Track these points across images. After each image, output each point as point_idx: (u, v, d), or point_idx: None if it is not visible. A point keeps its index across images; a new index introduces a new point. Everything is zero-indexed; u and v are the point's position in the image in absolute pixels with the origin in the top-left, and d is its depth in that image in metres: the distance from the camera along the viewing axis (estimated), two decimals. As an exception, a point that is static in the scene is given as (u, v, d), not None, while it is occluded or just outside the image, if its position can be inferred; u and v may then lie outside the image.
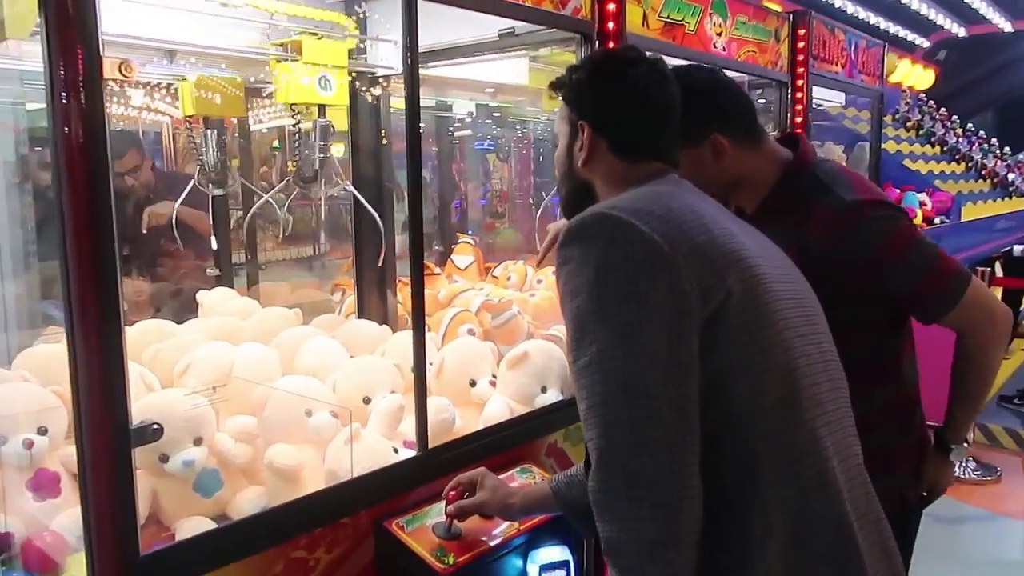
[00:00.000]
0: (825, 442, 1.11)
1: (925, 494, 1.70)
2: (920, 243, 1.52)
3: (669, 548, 0.99)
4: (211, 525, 1.66)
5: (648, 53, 1.29)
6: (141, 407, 1.65)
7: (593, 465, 1.05)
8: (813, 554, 1.07)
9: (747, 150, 1.58)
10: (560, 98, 1.34)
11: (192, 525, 1.65)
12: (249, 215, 2.72)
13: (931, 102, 9.30)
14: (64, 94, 1.07)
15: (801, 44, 2.95)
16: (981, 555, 3.68)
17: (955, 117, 9.26)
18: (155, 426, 1.24)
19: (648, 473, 1.00)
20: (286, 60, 2.10)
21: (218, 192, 2.54)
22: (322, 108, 2.25)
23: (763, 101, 3.16)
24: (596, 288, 1.05)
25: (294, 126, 2.29)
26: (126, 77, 1.10)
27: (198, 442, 1.69)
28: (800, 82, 2.98)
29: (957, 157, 8.78)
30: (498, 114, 3.93)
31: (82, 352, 1.14)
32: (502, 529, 1.65)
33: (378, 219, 2.42)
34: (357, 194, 2.41)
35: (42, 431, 1.63)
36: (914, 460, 1.65)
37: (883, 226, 1.51)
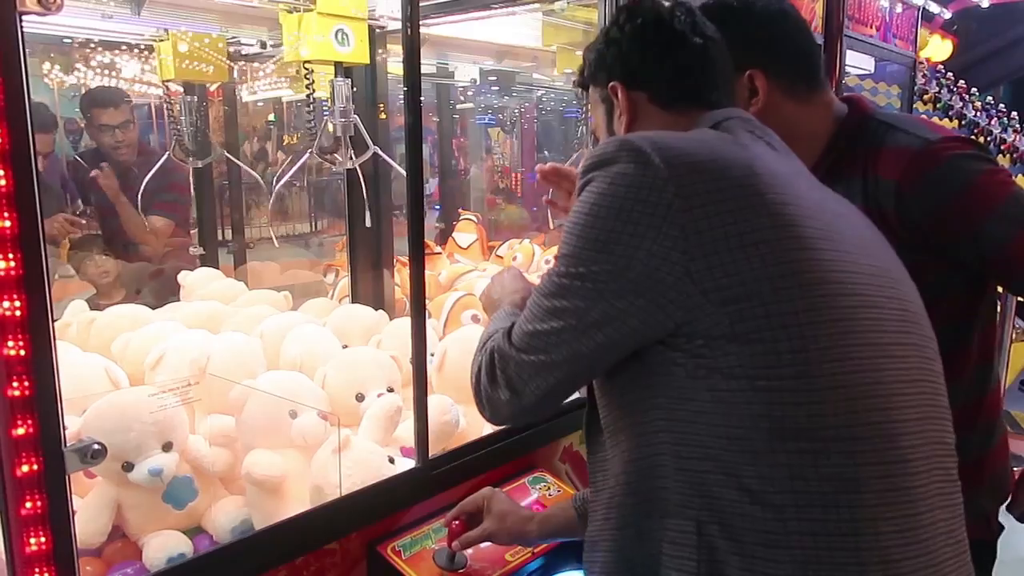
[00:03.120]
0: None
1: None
2: (1017, 193, 1.28)
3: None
4: (183, 540, 1.48)
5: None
6: (100, 408, 1.47)
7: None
8: None
9: (793, 100, 1.36)
10: (589, 90, 1.19)
11: (162, 541, 1.47)
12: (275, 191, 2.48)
13: (949, 74, 9.01)
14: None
15: (837, 2, 2.69)
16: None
17: (974, 90, 8.97)
18: (96, 446, 1.02)
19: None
20: (297, 11, 1.86)
21: (196, 164, 2.32)
22: (338, 67, 2.01)
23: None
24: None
25: (307, 86, 2.04)
26: (47, 9, 0.86)
27: (167, 447, 1.50)
28: (834, 44, 2.71)
29: (975, 132, 8.50)
30: (505, 80, 3.69)
31: (-2, 357, 0.92)
32: (514, 553, 1.45)
33: (399, 168, 2.15)
34: (387, 158, 2.15)
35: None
36: (1000, 472, 1.42)
37: (970, 166, 1.27)
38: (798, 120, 1.36)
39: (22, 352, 0.93)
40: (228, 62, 2.34)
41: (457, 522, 1.40)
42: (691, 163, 0.90)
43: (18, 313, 0.92)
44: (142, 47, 2.42)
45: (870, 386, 0.89)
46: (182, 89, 2.40)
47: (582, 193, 0.96)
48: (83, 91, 2.98)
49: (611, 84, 1.11)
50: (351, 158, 2.07)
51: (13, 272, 0.91)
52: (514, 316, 1.06)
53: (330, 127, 2.01)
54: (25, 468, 0.96)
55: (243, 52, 2.49)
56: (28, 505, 0.96)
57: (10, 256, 0.90)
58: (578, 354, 0.94)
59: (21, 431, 0.95)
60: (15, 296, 0.91)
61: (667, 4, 1.12)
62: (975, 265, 1.29)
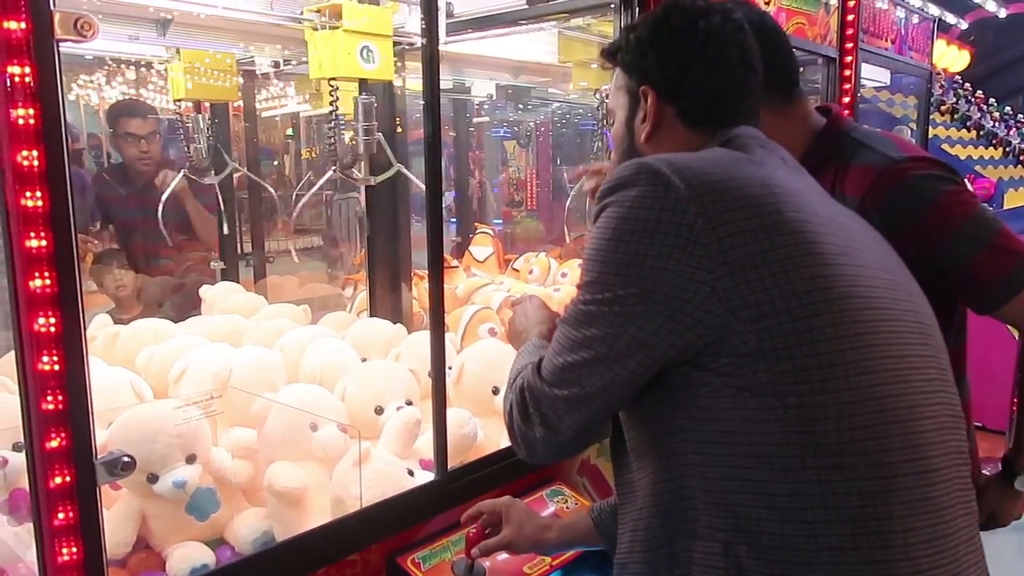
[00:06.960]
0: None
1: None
2: (979, 213, 1.28)
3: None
4: (206, 551, 1.50)
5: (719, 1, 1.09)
6: (125, 421, 1.50)
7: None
8: None
9: (765, 109, 1.28)
10: (614, 67, 1.14)
11: (185, 552, 1.49)
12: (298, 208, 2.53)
13: (967, 84, 8.96)
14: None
15: (851, 16, 2.70)
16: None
17: (992, 100, 8.91)
18: (126, 458, 1.05)
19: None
20: (323, 28, 1.88)
21: (208, 181, 2.37)
22: (363, 83, 2.03)
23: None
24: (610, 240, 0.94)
25: (332, 103, 2.06)
26: (83, 36, 0.89)
27: (191, 459, 1.52)
28: (849, 58, 2.73)
29: (994, 142, 8.45)
30: (521, 95, 3.72)
31: (33, 369, 0.95)
32: (532, 565, 1.45)
33: (420, 183, 2.16)
34: (410, 175, 2.17)
35: (18, 447, 1.47)
36: None
37: (932, 186, 1.27)
38: (769, 131, 1.29)
39: (56, 367, 0.96)
40: (240, 78, 2.38)
41: (475, 529, 1.40)
42: (711, 183, 0.91)
43: (52, 329, 0.95)
44: (162, 64, 2.47)
45: (896, 398, 0.89)
46: (193, 107, 2.44)
47: (600, 218, 0.95)
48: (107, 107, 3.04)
49: (643, 87, 1.08)
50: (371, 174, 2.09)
51: (48, 290, 0.94)
52: (542, 349, 1.04)
53: (352, 143, 2.03)
54: (58, 480, 0.98)
55: (261, 71, 2.54)
56: (61, 516, 0.99)
57: (46, 274, 0.93)
58: (612, 383, 0.92)
59: (55, 444, 0.98)
60: (50, 313, 0.94)
61: (720, 17, 1.07)
62: (937, 283, 1.25)
